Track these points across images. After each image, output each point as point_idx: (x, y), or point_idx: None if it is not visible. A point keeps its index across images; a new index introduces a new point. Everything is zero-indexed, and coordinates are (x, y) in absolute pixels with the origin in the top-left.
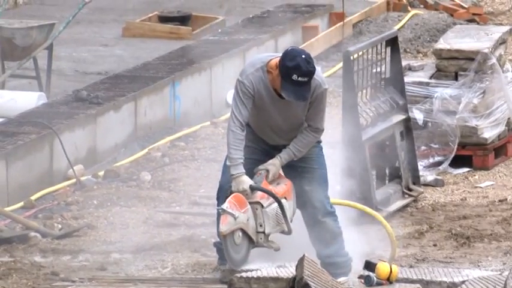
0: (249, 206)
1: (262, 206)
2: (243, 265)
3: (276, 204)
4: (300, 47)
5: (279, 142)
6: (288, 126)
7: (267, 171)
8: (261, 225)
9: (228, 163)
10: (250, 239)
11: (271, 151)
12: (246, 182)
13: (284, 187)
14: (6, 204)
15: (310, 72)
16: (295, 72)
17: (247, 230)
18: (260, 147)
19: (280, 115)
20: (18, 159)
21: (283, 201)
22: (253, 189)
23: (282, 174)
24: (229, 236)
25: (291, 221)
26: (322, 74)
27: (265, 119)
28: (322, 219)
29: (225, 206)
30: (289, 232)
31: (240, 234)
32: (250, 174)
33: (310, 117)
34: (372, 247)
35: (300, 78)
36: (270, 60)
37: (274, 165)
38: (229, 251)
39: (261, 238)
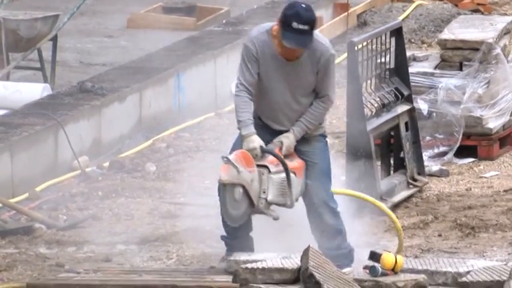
0: (255, 168)
1: (269, 171)
2: (238, 223)
3: (283, 174)
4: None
5: (283, 125)
6: (295, 99)
7: (281, 142)
8: (264, 192)
9: (238, 126)
10: (251, 201)
11: (275, 137)
12: (257, 141)
13: (296, 164)
14: (11, 195)
15: (310, 20)
16: (294, 19)
17: (249, 190)
18: (264, 133)
19: (286, 83)
20: (23, 151)
21: (291, 175)
22: (263, 151)
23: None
24: (229, 188)
25: (297, 200)
26: (327, 39)
27: (271, 93)
28: (321, 214)
29: (230, 156)
30: (291, 206)
31: (241, 190)
32: None
33: (318, 85)
34: (376, 238)
35: (300, 26)
36: (275, 24)
37: (287, 137)
38: (226, 204)
39: (261, 203)
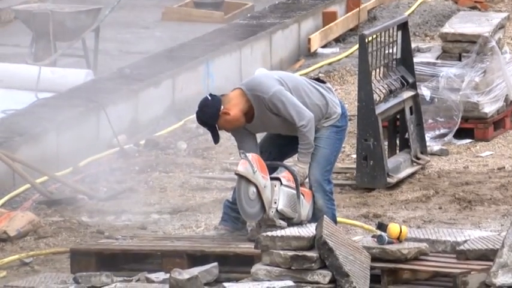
0: (268, 178)
1: (281, 183)
2: (252, 220)
3: (293, 192)
4: (208, 95)
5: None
6: (284, 128)
7: (293, 170)
8: (275, 203)
9: None
10: (263, 205)
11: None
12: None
13: (305, 189)
14: (57, 169)
15: (203, 122)
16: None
17: (262, 195)
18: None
19: (269, 126)
20: (68, 130)
21: (301, 196)
22: (277, 165)
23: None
24: (244, 185)
25: (303, 222)
26: (263, 83)
27: (265, 130)
28: (313, 193)
29: (248, 155)
30: (297, 221)
31: (255, 191)
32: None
33: (287, 119)
34: (383, 210)
35: (206, 128)
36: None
37: (295, 165)
38: (242, 199)
39: (272, 211)
